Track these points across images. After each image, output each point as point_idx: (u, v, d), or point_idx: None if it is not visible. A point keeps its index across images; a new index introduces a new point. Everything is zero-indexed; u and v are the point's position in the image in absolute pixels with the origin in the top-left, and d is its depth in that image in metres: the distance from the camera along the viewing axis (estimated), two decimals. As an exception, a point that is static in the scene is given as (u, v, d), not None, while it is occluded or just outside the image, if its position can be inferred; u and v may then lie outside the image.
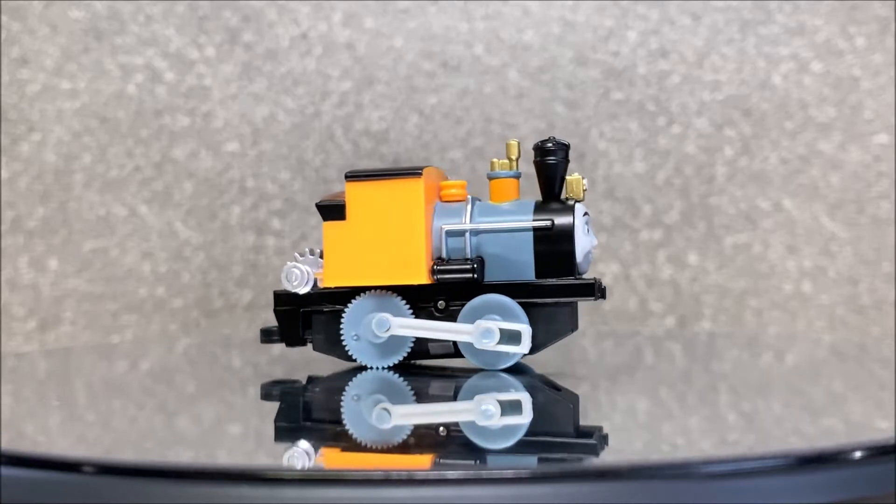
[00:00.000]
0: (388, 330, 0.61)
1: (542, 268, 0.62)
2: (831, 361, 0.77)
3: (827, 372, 0.72)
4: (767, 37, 0.96)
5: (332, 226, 0.61)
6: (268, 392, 0.63)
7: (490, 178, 0.64)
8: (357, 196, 0.61)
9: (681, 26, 0.96)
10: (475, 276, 0.61)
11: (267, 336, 0.66)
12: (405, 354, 0.63)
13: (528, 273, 0.62)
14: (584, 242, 0.62)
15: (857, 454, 0.42)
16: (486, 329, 0.60)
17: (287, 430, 0.53)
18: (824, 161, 0.96)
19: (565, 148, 0.63)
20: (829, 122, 0.96)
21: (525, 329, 0.60)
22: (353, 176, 0.62)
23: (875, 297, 0.96)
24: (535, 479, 0.40)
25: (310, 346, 0.65)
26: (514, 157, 0.64)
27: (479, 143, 0.95)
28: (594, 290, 0.62)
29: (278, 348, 0.80)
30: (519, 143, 0.64)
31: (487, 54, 0.96)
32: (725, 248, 0.96)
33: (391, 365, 0.63)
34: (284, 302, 0.64)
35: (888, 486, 0.41)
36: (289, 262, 0.64)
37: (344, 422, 0.54)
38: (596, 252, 0.65)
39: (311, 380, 0.66)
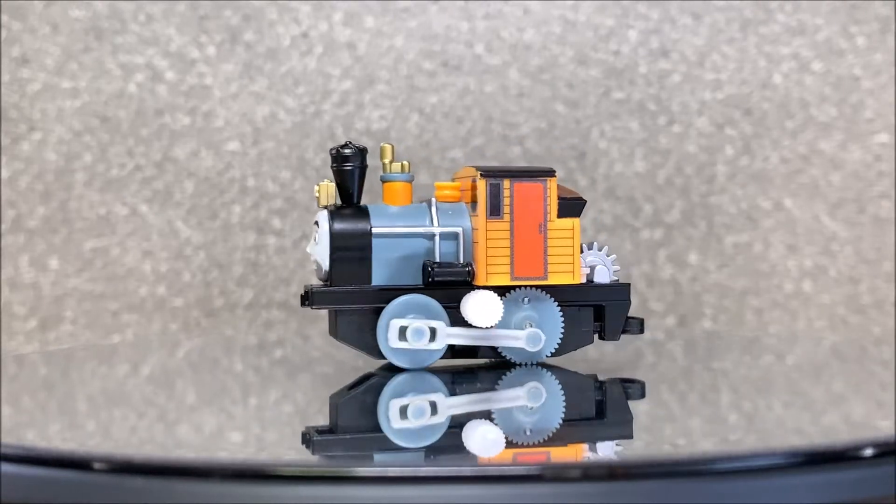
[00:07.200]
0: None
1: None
2: (832, 361, 0.77)
3: (828, 371, 0.72)
4: (768, 36, 0.96)
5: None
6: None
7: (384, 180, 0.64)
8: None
9: (682, 25, 0.96)
10: None
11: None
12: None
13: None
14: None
15: (858, 455, 0.42)
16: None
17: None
18: (825, 160, 0.96)
19: (362, 153, 0.63)
20: (829, 121, 0.96)
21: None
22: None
23: (876, 297, 0.95)
24: (535, 479, 0.40)
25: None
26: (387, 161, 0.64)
27: (479, 143, 0.95)
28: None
29: (279, 348, 0.80)
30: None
31: (488, 53, 0.96)
32: (726, 247, 0.96)
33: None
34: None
35: (889, 487, 0.41)
36: None
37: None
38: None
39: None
